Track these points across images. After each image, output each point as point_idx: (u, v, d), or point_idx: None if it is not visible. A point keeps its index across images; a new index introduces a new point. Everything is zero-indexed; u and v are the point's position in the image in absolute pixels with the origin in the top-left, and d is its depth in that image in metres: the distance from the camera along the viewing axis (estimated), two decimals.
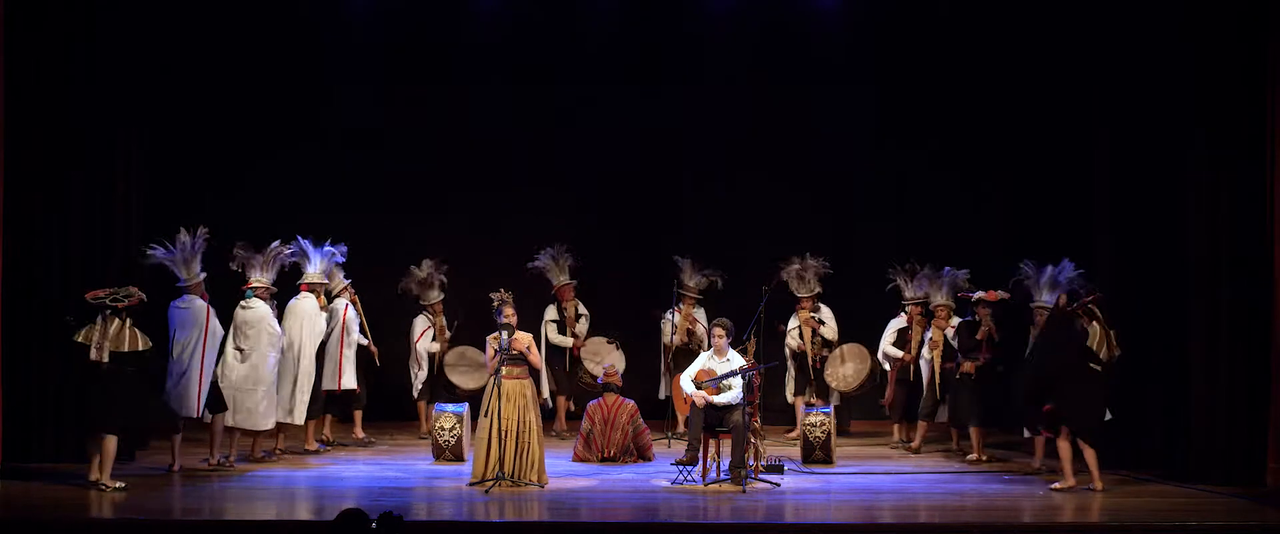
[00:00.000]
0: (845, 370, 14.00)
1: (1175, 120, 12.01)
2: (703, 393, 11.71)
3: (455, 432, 12.72)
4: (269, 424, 12.51)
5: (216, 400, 12.17)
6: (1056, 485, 11.47)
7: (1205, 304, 11.74)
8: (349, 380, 13.42)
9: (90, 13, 12.41)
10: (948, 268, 13.54)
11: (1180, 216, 11.95)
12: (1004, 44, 14.41)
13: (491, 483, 11.30)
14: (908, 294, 13.76)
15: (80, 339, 11.28)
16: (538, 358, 11.67)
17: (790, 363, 14.31)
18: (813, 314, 14.14)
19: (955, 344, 13.08)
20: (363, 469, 12.53)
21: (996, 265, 13.21)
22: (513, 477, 11.38)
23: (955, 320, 13.33)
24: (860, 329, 14.19)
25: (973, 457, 12.86)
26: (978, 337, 12.83)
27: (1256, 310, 11.58)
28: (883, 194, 15.35)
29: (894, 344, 13.80)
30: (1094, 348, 11.38)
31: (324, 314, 13.06)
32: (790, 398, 14.40)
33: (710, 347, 12.14)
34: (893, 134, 15.30)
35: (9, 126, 12.02)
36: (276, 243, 12.74)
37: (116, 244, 12.56)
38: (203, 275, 12.14)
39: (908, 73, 15.14)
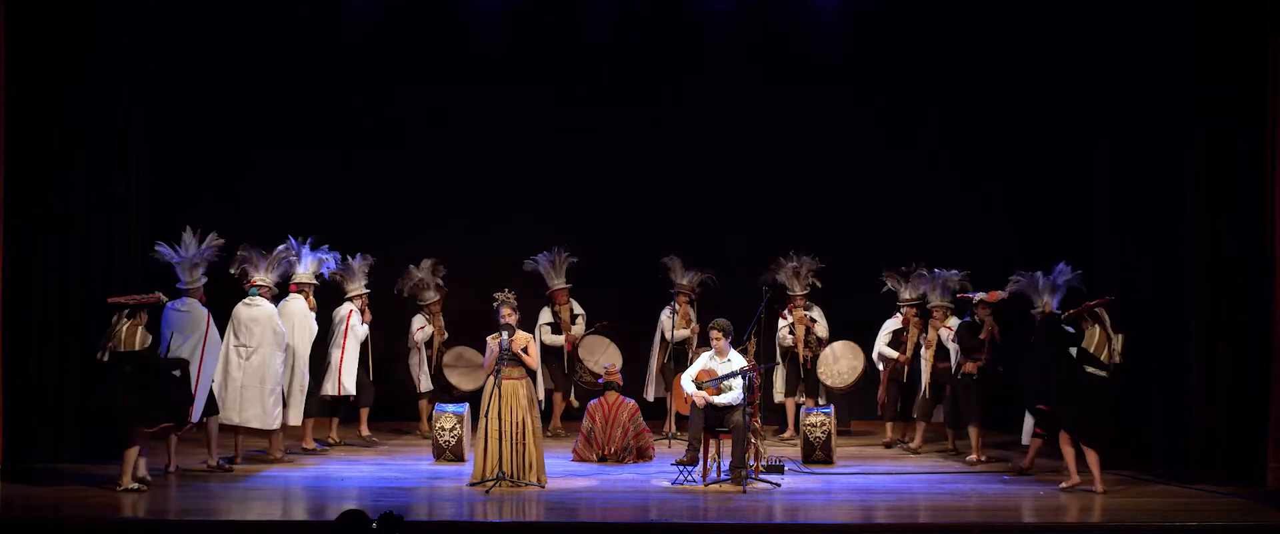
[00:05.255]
0: (839, 367, 13.97)
1: (1175, 120, 12.01)
2: (703, 393, 11.71)
3: (455, 432, 12.72)
4: (277, 423, 12.53)
5: (210, 404, 12.15)
6: (1063, 484, 11.48)
7: (1205, 304, 11.74)
8: (348, 385, 13.47)
9: (91, 13, 12.41)
10: (938, 269, 13.52)
11: (1180, 217, 11.95)
12: (1004, 44, 14.41)
13: (491, 483, 11.31)
14: (903, 295, 13.76)
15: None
16: (534, 359, 11.67)
17: (781, 362, 14.28)
18: (806, 312, 14.15)
19: (956, 344, 13.07)
20: (363, 469, 12.53)
21: (996, 266, 13.20)
22: (513, 477, 11.39)
23: (953, 321, 13.33)
24: (859, 330, 14.17)
25: (972, 457, 12.84)
26: (980, 337, 12.82)
27: (1256, 310, 11.57)
28: (882, 194, 15.35)
29: (889, 345, 13.80)
30: (1091, 351, 11.39)
31: (312, 314, 13.05)
32: (780, 398, 14.38)
33: (705, 347, 12.12)
34: (892, 134, 15.29)
35: (9, 126, 12.01)
36: (283, 246, 12.77)
37: (116, 244, 12.56)
38: (204, 281, 12.10)
39: (907, 73, 15.14)
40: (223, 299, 12.49)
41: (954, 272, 13.44)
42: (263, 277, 12.60)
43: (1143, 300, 12.20)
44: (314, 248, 13.19)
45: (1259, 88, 11.52)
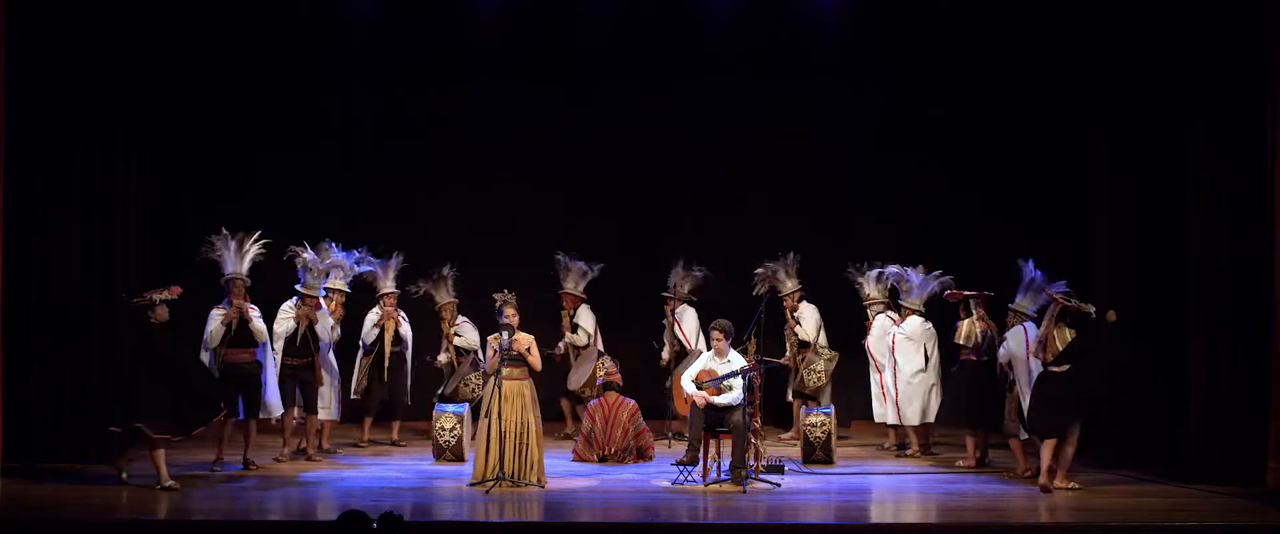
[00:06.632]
0: (806, 371, 13.93)
1: (1176, 120, 12.02)
2: (703, 393, 11.71)
3: (455, 432, 12.73)
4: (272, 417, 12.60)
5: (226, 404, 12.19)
6: (1042, 481, 11.47)
7: (1205, 304, 11.74)
8: (352, 390, 13.59)
9: (91, 12, 12.41)
10: (893, 267, 13.49)
11: (1180, 217, 11.95)
12: (1004, 43, 14.39)
13: (491, 483, 11.31)
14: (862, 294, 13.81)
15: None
16: (537, 360, 11.67)
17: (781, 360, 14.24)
18: (792, 314, 14.12)
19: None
20: (363, 469, 12.53)
21: (996, 266, 13.18)
22: (513, 477, 11.39)
23: (881, 319, 13.48)
24: (858, 329, 14.16)
25: (963, 461, 12.68)
26: (954, 339, 12.79)
27: (1257, 310, 11.57)
28: (882, 194, 15.35)
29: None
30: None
31: (330, 319, 12.94)
32: (789, 398, 14.37)
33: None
34: (892, 134, 15.29)
35: (9, 128, 12.00)
36: (301, 250, 12.77)
37: (116, 244, 12.57)
38: (235, 275, 12.16)
39: (907, 72, 15.14)
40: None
41: (910, 270, 13.37)
42: (307, 281, 12.65)
43: (1143, 300, 12.20)
44: (350, 251, 13.24)
45: (1259, 88, 11.53)
